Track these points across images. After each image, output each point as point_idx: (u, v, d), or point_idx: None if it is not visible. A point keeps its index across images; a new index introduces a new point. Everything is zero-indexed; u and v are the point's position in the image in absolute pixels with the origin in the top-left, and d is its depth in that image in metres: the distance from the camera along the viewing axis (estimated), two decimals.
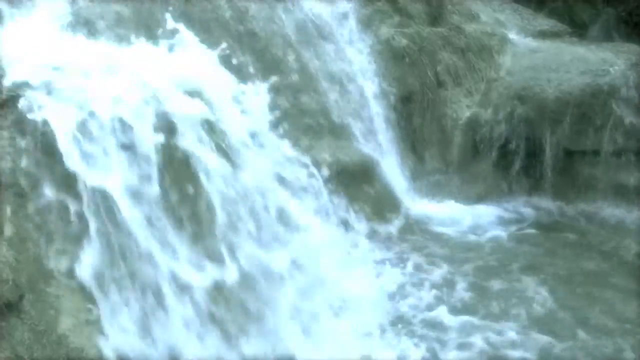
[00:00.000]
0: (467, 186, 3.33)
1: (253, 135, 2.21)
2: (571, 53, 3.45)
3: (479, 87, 3.43)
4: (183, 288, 1.80)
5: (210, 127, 2.02)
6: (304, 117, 3.07)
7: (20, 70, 1.98)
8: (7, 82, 1.91)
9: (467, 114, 3.36)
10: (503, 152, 3.30)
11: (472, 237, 3.04)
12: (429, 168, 3.38)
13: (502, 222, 3.18)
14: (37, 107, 1.83)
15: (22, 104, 1.84)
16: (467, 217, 3.17)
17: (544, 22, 3.83)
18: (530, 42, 3.60)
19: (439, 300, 2.47)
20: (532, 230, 3.10)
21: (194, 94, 2.09)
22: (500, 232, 3.08)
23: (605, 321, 2.34)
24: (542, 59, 3.43)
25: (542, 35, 3.70)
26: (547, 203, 3.28)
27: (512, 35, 3.61)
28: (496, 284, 2.60)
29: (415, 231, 3.04)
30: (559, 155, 3.23)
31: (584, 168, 3.25)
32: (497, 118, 3.29)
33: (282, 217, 2.16)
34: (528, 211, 3.26)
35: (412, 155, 3.37)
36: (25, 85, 1.91)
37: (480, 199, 3.29)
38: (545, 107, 3.21)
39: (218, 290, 1.86)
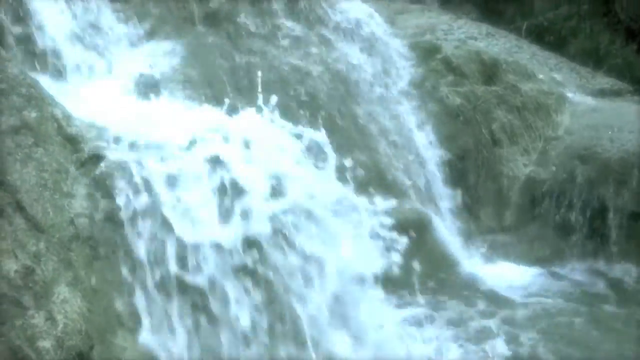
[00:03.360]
0: (524, 248, 3.22)
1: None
2: (634, 112, 3.36)
3: (536, 146, 3.38)
4: None
5: (274, 187, 2.09)
6: (357, 173, 3.11)
7: (99, 131, 2.15)
8: (87, 142, 2.08)
9: (524, 173, 3.30)
10: (563, 213, 3.19)
11: (530, 302, 2.90)
12: (484, 227, 3.30)
13: (563, 287, 3.03)
14: (114, 166, 1.97)
15: (101, 164, 1.98)
16: (525, 280, 3.05)
17: (604, 81, 3.78)
18: (590, 101, 3.54)
19: None
20: (595, 297, 2.93)
21: (255, 155, 2.19)
22: (561, 298, 2.93)
23: None
24: (603, 118, 3.36)
25: (602, 94, 3.64)
26: (612, 268, 3.11)
27: (570, 94, 3.57)
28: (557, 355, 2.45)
29: (470, 292, 2.95)
30: (624, 217, 3.09)
31: None
32: (557, 178, 3.21)
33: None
34: (592, 276, 3.10)
35: (467, 214, 3.32)
36: (104, 145, 2.07)
37: (539, 261, 3.17)
38: (608, 168, 3.11)
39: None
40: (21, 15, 2.64)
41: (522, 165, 3.34)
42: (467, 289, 2.93)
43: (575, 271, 3.12)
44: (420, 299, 2.70)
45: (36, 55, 2.66)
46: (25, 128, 1.97)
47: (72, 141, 2.07)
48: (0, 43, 2.48)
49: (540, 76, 3.61)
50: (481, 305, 2.80)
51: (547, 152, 3.33)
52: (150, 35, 3.05)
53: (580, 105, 3.50)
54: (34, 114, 2.01)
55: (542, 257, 3.18)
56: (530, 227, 3.25)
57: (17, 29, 2.63)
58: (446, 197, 3.29)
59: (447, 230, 3.21)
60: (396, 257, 2.56)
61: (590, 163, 3.17)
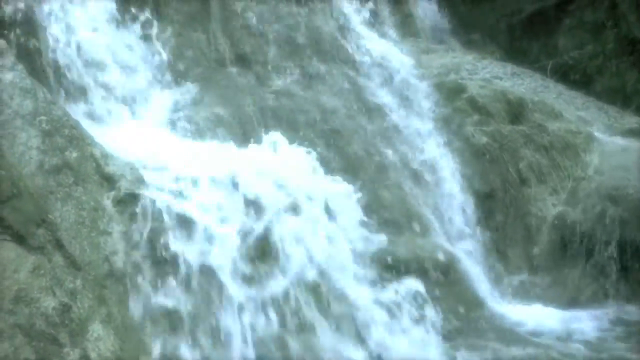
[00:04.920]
0: (556, 289, 3.14)
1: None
2: None
3: (565, 186, 3.34)
4: None
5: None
6: (384, 212, 3.12)
7: (135, 170, 2.22)
8: (124, 181, 2.14)
9: (553, 212, 3.25)
10: (595, 255, 3.11)
11: (562, 347, 2.80)
12: (513, 267, 3.24)
13: (598, 331, 2.92)
14: (148, 206, 2.02)
15: (136, 203, 2.04)
16: (557, 323, 2.95)
17: (632, 120, 3.75)
18: (619, 141, 3.50)
19: None
20: (631, 342, 2.81)
21: (284, 191, 2.23)
22: (596, 343, 2.82)
23: None
24: (634, 158, 3.31)
25: (631, 133, 3.60)
26: None
27: (599, 134, 3.55)
28: None
29: (499, 335, 2.86)
30: None
31: None
32: (587, 218, 3.15)
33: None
34: (627, 320, 2.99)
35: (495, 254, 3.26)
36: (139, 184, 2.14)
37: (571, 304, 3.08)
38: None
39: None
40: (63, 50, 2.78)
41: (551, 205, 3.30)
42: (498, 331, 2.85)
43: (610, 314, 3.01)
44: (445, 340, 2.65)
45: (73, 93, 2.78)
46: (66, 167, 2.05)
47: (109, 180, 2.15)
48: (44, 83, 2.60)
49: (567, 116, 3.60)
50: (513, 348, 2.71)
51: (576, 192, 3.29)
52: (184, 75, 3.18)
53: (610, 145, 3.47)
54: (74, 154, 2.10)
55: (575, 300, 3.09)
56: (561, 268, 3.17)
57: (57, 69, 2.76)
58: (474, 236, 3.26)
59: (475, 269, 3.15)
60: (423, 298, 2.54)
61: (622, 204, 3.11)
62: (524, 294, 3.14)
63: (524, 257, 3.27)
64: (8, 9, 2.57)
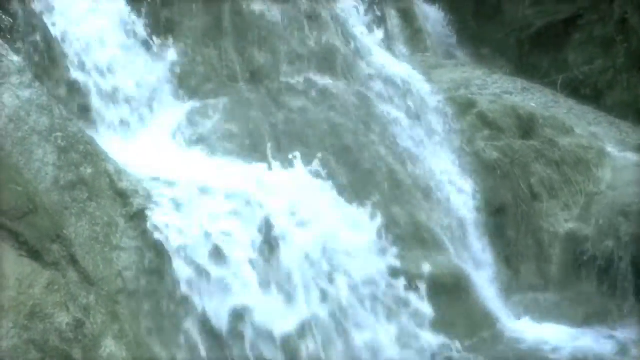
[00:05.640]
0: (570, 306, 3.09)
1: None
2: None
3: (577, 201, 3.31)
4: None
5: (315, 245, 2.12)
6: (395, 228, 3.11)
7: (147, 185, 2.24)
8: (137, 197, 2.16)
9: (566, 228, 3.22)
10: (609, 271, 3.07)
11: None
12: (525, 284, 3.21)
13: (612, 349, 2.87)
14: (160, 222, 2.04)
15: (148, 218, 2.06)
16: (571, 341, 2.90)
17: None
18: (632, 156, 3.48)
19: None
20: None
21: (295, 209, 2.23)
22: None
23: None
24: None
25: None
26: None
27: (611, 149, 3.52)
28: None
29: (511, 354, 2.83)
30: None
31: None
32: (601, 234, 3.12)
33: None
34: None
35: (507, 269, 3.23)
36: (151, 200, 2.15)
37: (585, 321, 3.03)
38: None
39: None
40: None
41: (563, 221, 3.27)
42: (510, 350, 2.81)
43: (625, 333, 2.96)
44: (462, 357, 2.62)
45: (86, 109, 2.82)
46: (81, 183, 2.08)
47: (123, 195, 2.17)
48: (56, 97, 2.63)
49: (578, 131, 3.58)
50: None
51: (588, 208, 3.26)
52: (196, 91, 3.21)
53: (622, 160, 3.44)
54: (89, 170, 2.12)
55: (589, 317, 3.04)
56: (574, 285, 3.13)
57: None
58: (485, 252, 3.23)
59: (486, 286, 3.12)
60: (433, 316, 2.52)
61: (635, 219, 3.08)
62: (536, 311, 3.10)
63: (537, 274, 3.23)
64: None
